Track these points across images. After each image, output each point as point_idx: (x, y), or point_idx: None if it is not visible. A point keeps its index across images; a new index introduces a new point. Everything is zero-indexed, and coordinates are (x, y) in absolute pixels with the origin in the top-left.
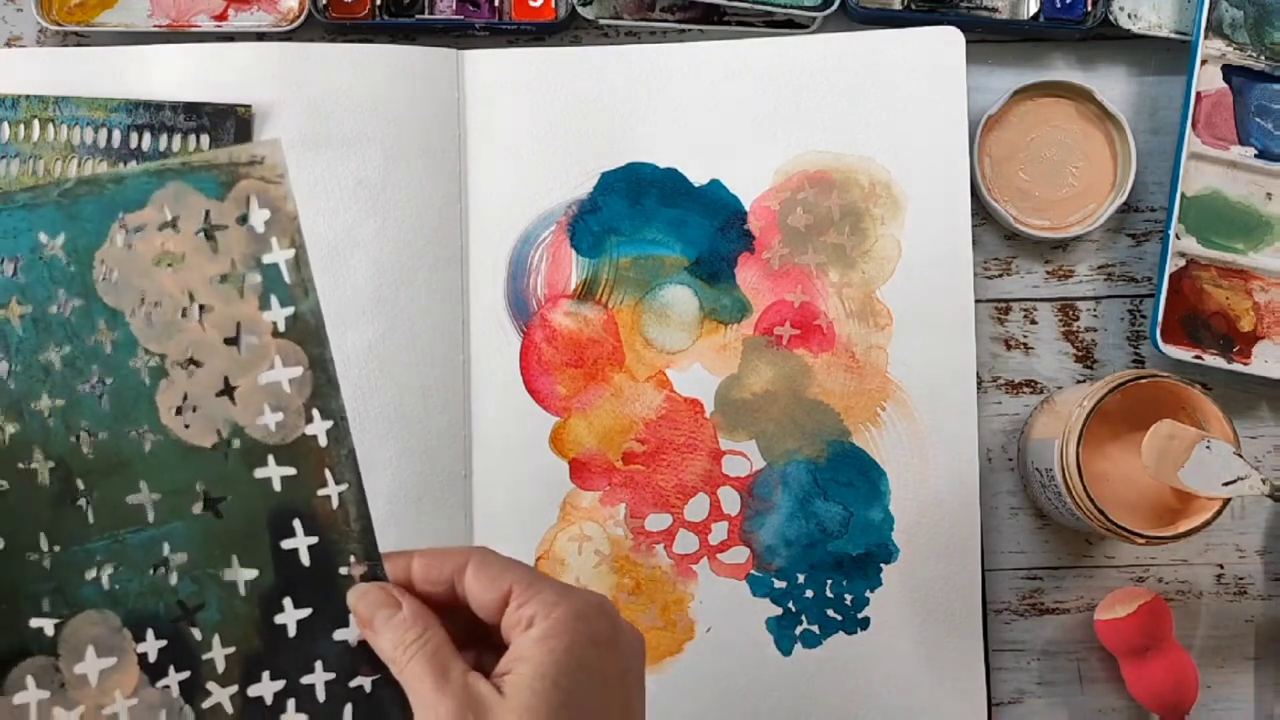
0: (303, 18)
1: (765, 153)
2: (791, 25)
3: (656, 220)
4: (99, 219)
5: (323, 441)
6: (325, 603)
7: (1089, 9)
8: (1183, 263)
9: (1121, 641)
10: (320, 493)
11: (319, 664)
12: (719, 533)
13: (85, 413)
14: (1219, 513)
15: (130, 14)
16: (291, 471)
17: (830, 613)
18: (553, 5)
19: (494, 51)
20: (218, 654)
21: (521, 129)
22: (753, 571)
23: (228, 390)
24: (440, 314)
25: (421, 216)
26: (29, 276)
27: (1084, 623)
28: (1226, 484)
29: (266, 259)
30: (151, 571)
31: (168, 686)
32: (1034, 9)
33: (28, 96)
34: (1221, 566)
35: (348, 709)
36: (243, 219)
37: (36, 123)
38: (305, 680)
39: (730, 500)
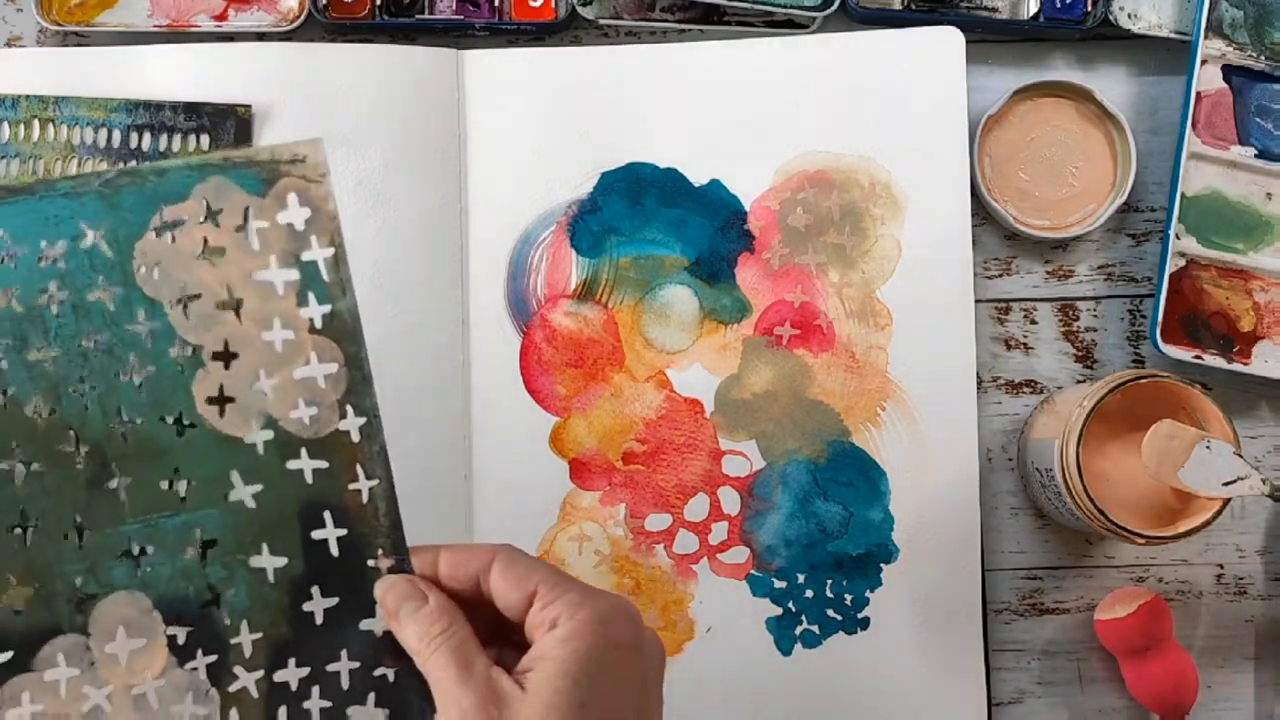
0: (303, 18)
1: (765, 153)
2: (791, 25)
3: (656, 220)
4: (140, 210)
5: (355, 437)
6: (352, 593)
7: (1089, 9)
8: (1183, 263)
9: (1121, 641)
10: (351, 487)
11: (344, 652)
12: (719, 533)
13: (122, 399)
14: (1219, 513)
15: (130, 14)
16: (324, 465)
17: (830, 613)
18: (553, 5)
19: (494, 51)
20: (245, 639)
21: (521, 129)
22: (753, 571)
23: (263, 384)
24: (440, 314)
25: (421, 216)
26: (70, 264)
27: (1084, 623)
28: (1226, 484)
29: (305, 256)
30: (183, 556)
31: (195, 669)
32: (1034, 9)
33: (27, 96)
34: (1221, 566)
35: (371, 697)
36: (283, 216)
37: (36, 123)
38: (330, 668)
39: (730, 500)
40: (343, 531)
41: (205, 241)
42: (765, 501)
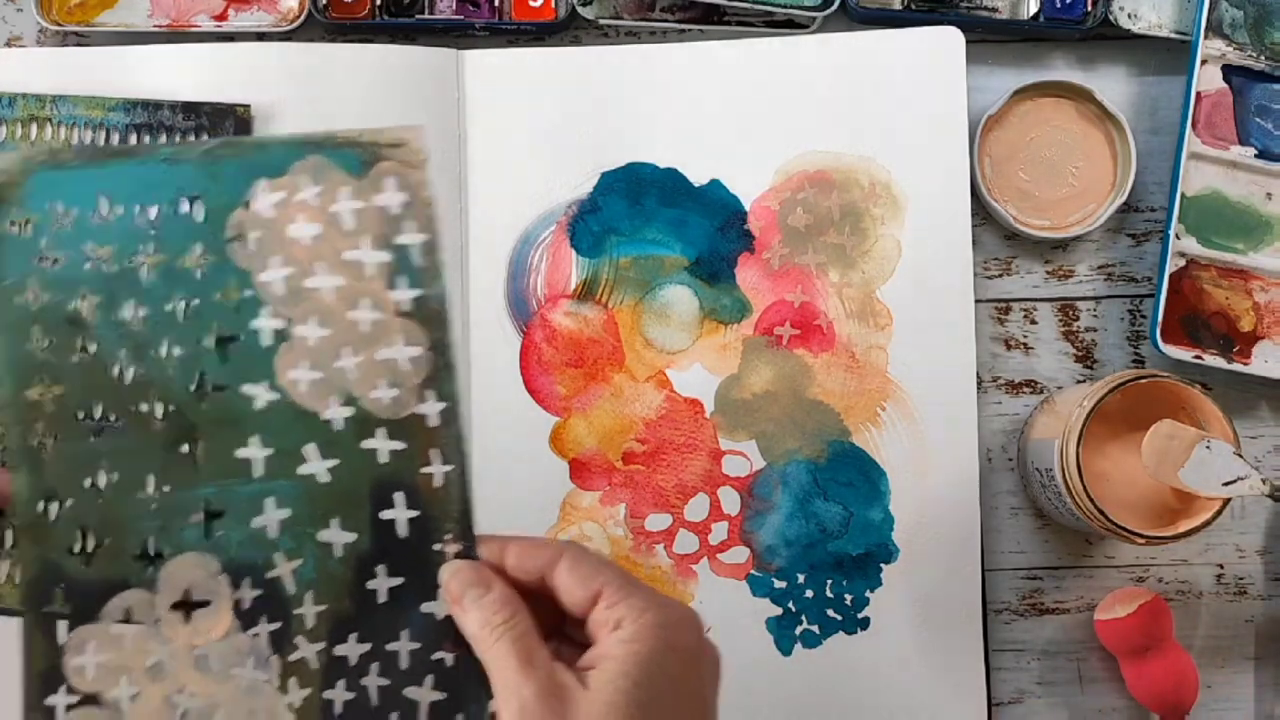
0: (303, 18)
1: (765, 153)
2: (791, 25)
3: (656, 220)
4: (238, 182)
5: (433, 422)
6: (417, 574)
7: (1089, 9)
8: (1183, 263)
9: (1121, 641)
10: (425, 470)
11: (405, 633)
12: (719, 533)
13: (205, 365)
14: (1219, 513)
15: (130, 14)
16: (400, 446)
17: (830, 613)
18: (553, 5)
19: (494, 51)
20: (309, 610)
21: (521, 129)
22: (753, 571)
23: (346, 361)
24: None
25: None
26: (164, 228)
27: (1084, 623)
28: (1226, 484)
29: (399, 240)
30: (253, 524)
31: (258, 634)
32: (1034, 9)
33: (25, 95)
34: (1221, 566)
35: (429, 679)
36: (379, 199)
37: (34, 122)
38: (390, 646)
39: (730, 500)
40: (413, 513)
41: (300, 218)
42: (765, 501)
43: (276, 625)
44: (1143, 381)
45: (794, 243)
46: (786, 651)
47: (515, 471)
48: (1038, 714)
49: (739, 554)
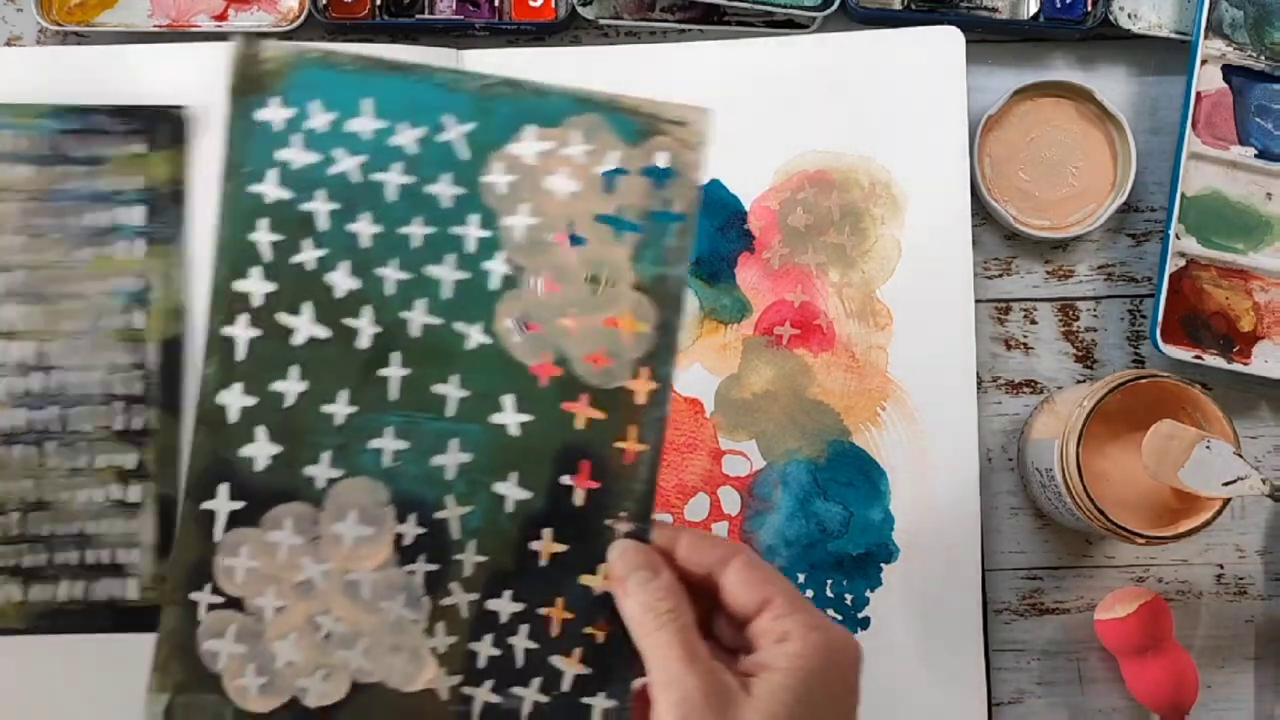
0: (303, 18)
1: (765, 153)
2: (791, 25)
3: None
4: (509, 122)
5: (640, 399)
6: (583, 545)
7: (1089, 9)
8: (1183, 263)
9: (1121, 641)
10: (618, 444)
11: (560, 600)
12: (719, 533)
13: (427, 294)
14: (1219, 513)
15: (130, 14)
16: (600, 416)
17: (830, 613)
18: (553, 5)
19: (494, 51)
20: (469, 559)
21: None
22: None
23: (569, 322)
24: None
25: None
26: (421, 151)
27: (1084, 623)
28: (1226, 484)
29: (656, 214)
30: (433, 462)
31: (413, 572)
32: (1034, 9)
33: None
34: (1221, 566)
35: (577, 651)
36: (648, 171)
37: None
38: (543, 611)
39: (730, 500)
40: (595, 484)
41: (562, 171)
42: (765, 501)
43: (435, 567)
44: (1143, 381)
45: (794, 242)
46: None
47: None
48: (1038, 714)
49: None
